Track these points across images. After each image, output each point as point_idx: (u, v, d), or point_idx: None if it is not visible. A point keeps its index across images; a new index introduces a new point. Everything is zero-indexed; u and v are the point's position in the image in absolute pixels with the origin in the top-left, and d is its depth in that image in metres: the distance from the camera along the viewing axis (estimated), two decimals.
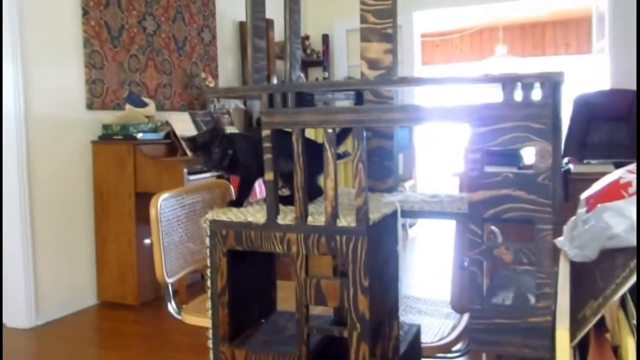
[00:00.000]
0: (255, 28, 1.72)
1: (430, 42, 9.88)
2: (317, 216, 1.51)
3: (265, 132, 1.51)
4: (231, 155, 1.67)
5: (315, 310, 1.96)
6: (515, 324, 1.37)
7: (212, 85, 5.06)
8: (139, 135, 4.03)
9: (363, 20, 1.89)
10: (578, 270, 1.69)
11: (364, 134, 1.44)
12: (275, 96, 1.53)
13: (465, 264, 1.48)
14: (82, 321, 3.88)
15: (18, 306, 3.70)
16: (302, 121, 1.47)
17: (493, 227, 2.22)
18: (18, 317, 3.71)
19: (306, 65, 6.97)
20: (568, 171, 3.36)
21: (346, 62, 6.96)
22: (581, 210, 1.92)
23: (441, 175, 7.93)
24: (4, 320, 3.75)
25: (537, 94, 1.39)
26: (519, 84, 1.37)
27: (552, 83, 1.34)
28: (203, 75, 5.09)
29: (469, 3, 6.54)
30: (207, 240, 1.60)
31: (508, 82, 1.36)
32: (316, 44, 6.90)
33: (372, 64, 1.88)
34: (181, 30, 4.92)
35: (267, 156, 1.52)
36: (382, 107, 1.46)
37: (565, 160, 3.55)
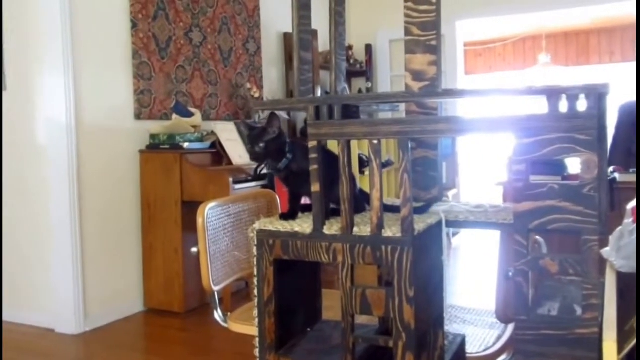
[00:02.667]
0: (301, 41, 1.76)
1: (472, 50, 9.82)
2: (362, 227, 1.54)
3: (312, 144, 1.54)
4: (288, 162, 1.71)
5: (360, 319, 1.98)
6: (561, 335, 1.37)
7: (257, 95, 5.13)
8: (186, 145, 4.11)
9: (408, 32, 1.91)
10: (625, 281, 1.67)
11: (409, 145, 1.46)
12: (322, 108, 1.57)
13: (510, 274, 1.48)
14: (129, 328, 3.95)
15: (67, 313, 3.79)
16: (348, 133, 1.50)
17: (538, 237, 2.21)
18: (67, 323, 3.80)
19: (349, 75, 6.99)
20: (614, 180, 3.31)
21: (389, 72, 6.96)
22: (627, 220, 1.90)
23: (485, 184, 7.86)
24: (54, 326, 3.85)
25: (582, 105, 1.39)
26: (564, 95, 1.38)
27: (597, 95, 1.34)
28: (248, 85, 5.16)
29: (512, 12, 6.49)
30: (255, 250, 1.64)
31: (553, 94, 1.36)
32: (359, 54, 6.93)
33: (417, 76, 1.90)
34: (227, 42, 5.01)
35: (314, 167, 1.55)
36: (427, 118, 1.48)
37: (611, 169, 3.50)
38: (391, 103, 1.89)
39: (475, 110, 8.85)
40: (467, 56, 8.94)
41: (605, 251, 1.78)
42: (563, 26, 8.83)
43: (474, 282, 4.87)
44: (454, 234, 6.53)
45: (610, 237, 1.82)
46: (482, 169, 8.97)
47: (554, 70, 9.07)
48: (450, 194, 6.14)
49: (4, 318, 3.99)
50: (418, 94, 1.73)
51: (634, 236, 1.71)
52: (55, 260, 3.83)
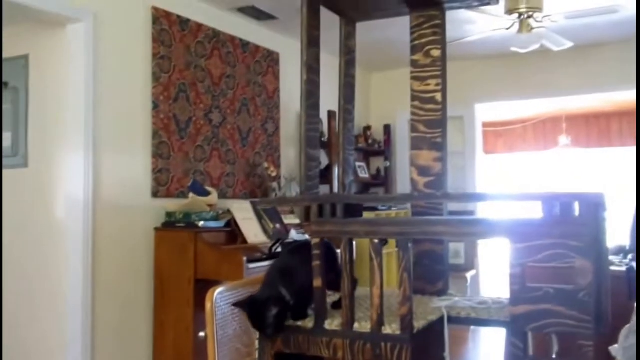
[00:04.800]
0: (308, 139, 1.83)
1: (493, 132, 9.92)
2: (363, 322, 1.56)
3: (315, 241, 1.59)
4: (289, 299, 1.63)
5: None
6: None
7: (274, 174, 5.22)
8: (201, 223, 4.17)
9: (414, 129, 1.99)
10: None
11: (410, 246, 1.50)
12: (325, 206, 1.62)
13: None
14: None
15: None
16: (350, 231, 1.55)
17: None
18: None
19: (368, 154, 7.10)
20: (631, 269, 3.27)
21: (408, 152, 7.05)
22: (635, 318, 1.90)
23: (504, 265, 7.79)
24: None
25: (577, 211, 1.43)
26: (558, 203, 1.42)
27: (590, 203, 1.38)
28: (266, 164, 5.26)
29: (530, 97, 6.62)
30: (257, 342, 1.67)
31: (546, 200, 1.41)
32: (378, 133, 7.05)
33: (422, 171, 1.96)
34: (246, 122, 5.14)
35: (316, 263, 1.59)
36: (426, 220, 1.53)
37: (630, 257, 3.47)
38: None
39: (496, 183, 8.86)
40: (487, 136, 9.03)
41: (614, 348, 1.78)
42: (583, 109, 8.91)
43: None
44: None
45: (620, 334, 1.82)
46: (502, 249, 8.90)
47: (574, 152, 9.12)
48: (468, 275, 6.10)
49: None
50: (416, 197, 1.79)
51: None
52: (67, 335, 3.83)
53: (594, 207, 1.40)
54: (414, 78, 1.97)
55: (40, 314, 4.06)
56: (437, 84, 1.93)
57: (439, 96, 1.94)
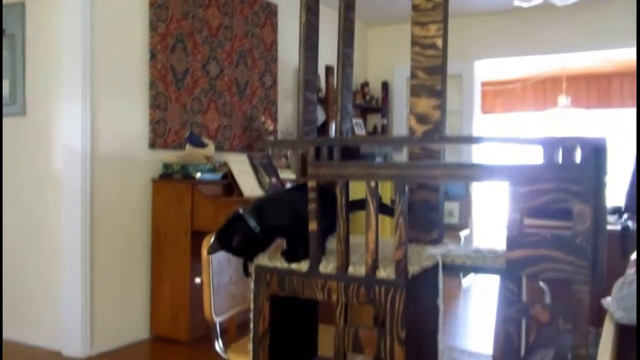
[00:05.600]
0: (307, 82, 1.80)
1: (491, 90, 9.85)
2: (358, 266, 1.56)
3: (311, 184, 1.57)
4: (260, 228, 1.65)
5: (357, 358, 1.98)
6: None
7: (270, 128, 5.19)
8: (198, 175, 4.16)
9: (413, 76, 1.95)
10: (625, 331, 1.67)
11: (406, 189, 1.48)
12: (322, 149, 1.60)
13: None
14: (134, 354, 3.97)
15: (74, 336, 3.83)
16: (346, 174, 1.53)
17: (542, 284, 2.21)
18: (73, 346, 3.84)
19: (365, 111, 7.06)
20: (627, 228, 3.27)
21: (405, 109, 7.00)
22: (630, 271, 1.91)
23: (497, 224, 7.83)
24: (61, 349, 3.90)
25: (579, 156, 1.41)
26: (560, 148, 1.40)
27: (592, 148, 1.36)
28: (263, 118, 5.23)
29: (531, 53, 6.54)
30: (252, 284, 1.67)
31: (548, 145, 1.39)
32: (376, 90, 7.00)
33: (421, 119, 1.93)
34: (243, 75, 5.09)
35: (312, 206, 1.58)
36: (423, 164, 1.51)
37: (625, 216, 3.46)
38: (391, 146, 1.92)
39: (493, 153, 8.84)
40: (485, 95, 8.97)
41: (606, 301, 1.78)
42: (584, 68, 8.84)
43: (480, 325, 4.83)
44: (465, 275, 6.50)
45: (614, 287, 1.82)
46: (496, 209, 8.94)
47: (573, 113, 9.05)
48: (462, 234, 6.12)
49: (15, 338, 4.10)
50: (414, 139, 1.77)
51: (634, 287, 1.71)
52: (66, 285, 3.88)
53: (596, 151, 1.38)
54: (414, 23, 1.92)
55: (39, 264, 4.08)
56: (438, 29, 1.89)
57: (439, 42, 1.90)
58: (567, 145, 1.38)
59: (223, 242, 1.66)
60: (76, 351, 3.83)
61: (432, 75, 1.92)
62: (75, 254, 3.82)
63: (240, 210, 1.68)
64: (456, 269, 1.78)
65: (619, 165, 6.28)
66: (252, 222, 1.63)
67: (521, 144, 1.43)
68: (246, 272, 1.74)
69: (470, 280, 6.52)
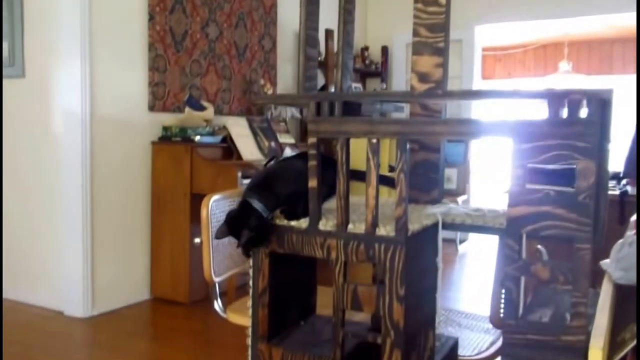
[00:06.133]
0: (308, 37, 1.77)
1: (492, 56, 9.77)
2: (357, 224, 1.55)
3: (311, 140, 1.55)
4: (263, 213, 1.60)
5: (356, 317, 1.99)
6: (548, 341, 1.37)
7: (269, 92, 5.15)
8: (197, 138, 4.14)
9: (415, 33, 1.92)
10: (623, 292, 1.67)
11: (407, 146, 1.46)
12: (323, 105, 1.58)
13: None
14: (134, 314, 4.01)
15: (76, 297, 3.87)
16: (347, 131, 1.51)
17: (539, 247, 2.21)
18: (75, 307, 3.88)
19: (364, 76, 7.01)
20: (625, 193, 3.26)
21: (405, 75, 6.95)
22: (630, 232, 1.89)
23: (495, 192, 7.84)
24: (63, 309, 3.95)
25: (584, 112, 1.39)
26: (566, 101, 1.37)
27: (599, 101, 1.34)
28: (262, 82, 5.18)
29: (533, 18, 6.45)
30: None
31: (554, 98, 1.36)
32: (375, 55, 6.93)
33: (422, 77, 1.91)
34: (242, 37, 5.03)
35: (312, 163, 1.56)
36: (425, 120, 1.49)
37: (624, 181, 3.45)
38: (394, 103, 1.90)
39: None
40: (485, 61, 8.89)
41: (605, 263, 1.78)
42: (586, 34, 8.74)
43: (476, 289, 4.86)
44: (462, 241, 6.52)
45: (612, 249, 1.81)
46: (494, 177, 8.94)
47: (574, 79, 8.98)
48: (460, 199, 6.12)
49: (16, 298, 4.17)
50: (417, 94, 1.74)
51: (634, 248, 1.70)
52: (67, 246, 3.90)
53: (603, 104, 1.36)
54: None
55: (41, 226, 4.09)
56: None
57: None
58: (573, 98, 1.35)
59: (232, 231, 1.59)
60: (78, 311, 3.88)
61: (434, 32, 1.89)
62: (76, 216, 3.83)
63: (247, 198, 1.61)
64: (456, 228, 1.77)
65: (619, 131, 6.26)
66: (260, 206, 1.58)
67: (526, 98, 1.41)
68: (247, 254, 1.70)
69: (466, 247, 6.55)
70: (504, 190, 3.67)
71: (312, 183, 1.57)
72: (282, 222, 1.62)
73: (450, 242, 6.34)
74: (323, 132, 1.54)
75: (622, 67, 9.24)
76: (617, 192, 3.27)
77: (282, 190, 1.65)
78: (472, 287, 4.99)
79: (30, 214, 4.12)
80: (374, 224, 1.51)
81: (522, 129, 1.38)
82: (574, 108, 1.36)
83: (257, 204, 1.57)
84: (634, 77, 8.85)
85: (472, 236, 6.82)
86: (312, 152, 1.56)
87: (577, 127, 1.35)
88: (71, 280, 3.88)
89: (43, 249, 4.08)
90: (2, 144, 4.17)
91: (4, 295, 4.21)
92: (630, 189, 3.28)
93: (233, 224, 1.59)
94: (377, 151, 1.49)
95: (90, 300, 3.89)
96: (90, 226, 3.86)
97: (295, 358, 1.61)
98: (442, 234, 1.74)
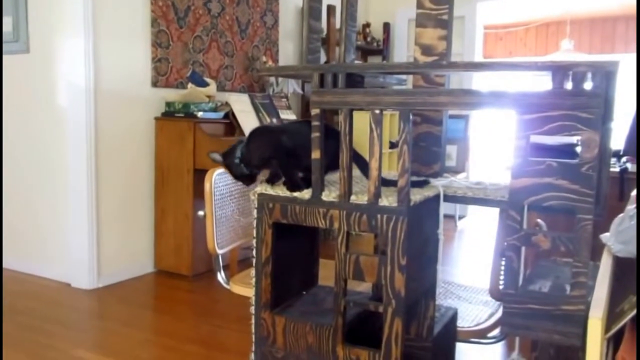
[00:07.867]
0: (311, 9, 1.77)
1: (493, 34, 9.71)
2: (360, 195, 1.56)
3: (315, 111, 1.56)
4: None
5: (358, 288, 2.01)
6: (548, 310, 1.39)
7: None
8: (200, 114, 4.15)
9: (419, 5, 1.92)
10: (622, 265, 1.68)
11: (410, 117, 1.47)
12: (326, 76, 1.58)
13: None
14: (139, 286, 4.07)
15: (82, 269, 3.95)
16: (351, 102, 1.52)
17: (539, 220, 2.22)
18: (81, 278, 3.95)
19: (366, 53, 6.98)
20: (625, 170, 3.28)
21: (406, 52, 6.92)
22: (630, 206, 1.91)
23: (496, 169, 7.84)
24: (70, 281, 4.02)
25: (589, 84, 1.39)
26: (570, 73, 1.38)
27: (604, 73, 1.34)
28: (264, 58, 5.17)
29: None
30: (255, 212, 1.67)
31: (558, 70, 1.37)
32: (377, 32, 6.90)
33: (426, 50, 1.91)
34: (245, 14, 5.01)
35: (316, 134, 1.57)
36: (429, 90, 1.49)
37: (624, 159, 3.46)
38: (397, 75, 1.90)
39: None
40: (487, 39, 8.85)
41: (605, 236, 1.79)
42: (589, 11, 8.67)
43: (475, 263, 4.91)
44: (461, 217, 6.55)
45: (612, 223, 1.83)
46: (494, 154, 8.93)
47: (576, 58, 8.93)
48: (460, 176, 6.13)
49: (26, 270, 4.26)
50: (421, 65, 1.74)
51: (634, 221, 1.71)
52: (73, 219, 3.95)
53: (607, 76, 1.36)
54: None
55: (47, 199, 4.14)
56: None
57: None
58: (578, 70, 1.36)
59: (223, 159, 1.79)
60: (84, 283, 3.95)
61: (438, 4, 1.89)
62: (81, 190, 3.87)
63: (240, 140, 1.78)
64: (457, 200, 1.78)
65: (620, 110, 6.24)
66: (238, 153, 1.75)
67: (531, 70, 1.42)
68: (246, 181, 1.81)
69: (465, 223, 6.57)
70: (506, 167, 3.67)
71: (316, 154, 1.58)
72: (285, 193, 1.63)
73: (450, 218, 6.37)
74: (326, 103, 1.55)
75: (624, 45, 9.18)
76: (617, 170, 3.29)
77: (259, 150, 1.76)
78: (470, 261, 5.03)
79: (37, 187, 4.15)
80: (377, 195, 1.52)
81: (526, 99, 1.38)
82: (579, 80, 1.37)
83: (237, 150, 1.76)
84: (634, 55, 8.80)
85: (471, 212, 6.85)
86: (316, 123, 1.56)
87: (582, 98, 1.36)
88: (77, 253, 3.96)
89: (50, 222, 4.14)
90: (1, 120, 4.18)
91: (13, 268, 4.28)
92: (630, 166, 3.30)
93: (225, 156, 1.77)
94: (380, 122, 1.49)
95: (96, 272, 3.95)
96: (95, 200, 3.91)
97: (297, 326, 1.63)
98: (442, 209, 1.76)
